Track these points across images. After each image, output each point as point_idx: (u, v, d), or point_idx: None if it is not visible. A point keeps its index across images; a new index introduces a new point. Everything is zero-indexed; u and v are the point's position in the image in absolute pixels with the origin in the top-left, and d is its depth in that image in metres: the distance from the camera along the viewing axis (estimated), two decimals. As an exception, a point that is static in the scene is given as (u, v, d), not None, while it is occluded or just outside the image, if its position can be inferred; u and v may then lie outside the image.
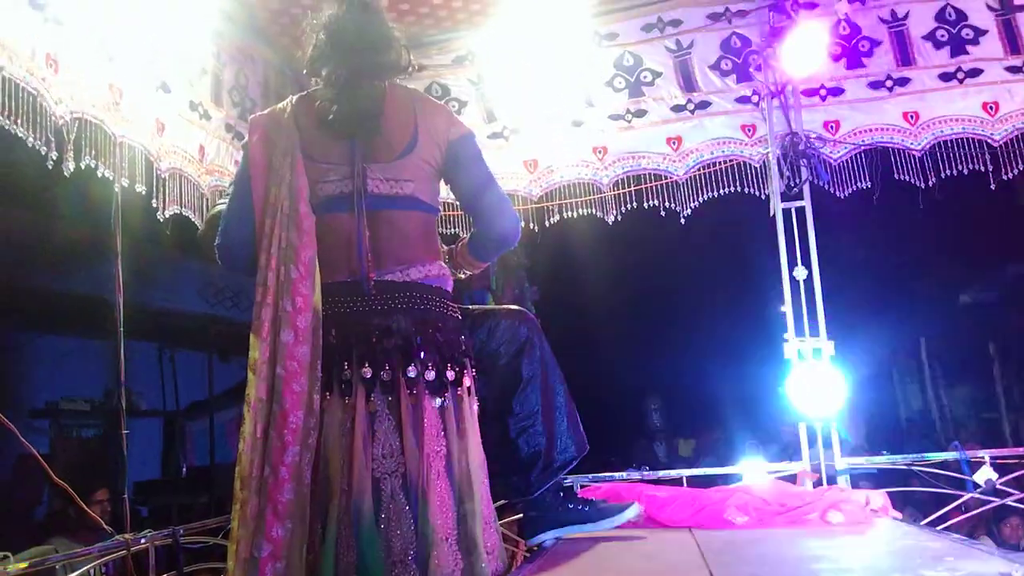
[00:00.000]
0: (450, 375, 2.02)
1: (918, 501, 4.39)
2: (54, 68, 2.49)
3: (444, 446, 1.97)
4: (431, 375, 1.98)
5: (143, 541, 2.79)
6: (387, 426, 1.94)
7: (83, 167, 2.65)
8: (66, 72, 2.55)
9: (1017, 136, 3.47)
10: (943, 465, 3.55)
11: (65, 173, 2.57)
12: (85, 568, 2.62)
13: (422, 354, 1.98)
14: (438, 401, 1.99)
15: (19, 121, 2.34)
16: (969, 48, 3.55)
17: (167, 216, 3.12)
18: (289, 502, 1.86)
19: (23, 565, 2.49)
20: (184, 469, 8.08)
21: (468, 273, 2.42)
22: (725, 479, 3.62)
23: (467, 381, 2.08)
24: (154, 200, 3.06)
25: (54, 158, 2.50)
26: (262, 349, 1.93)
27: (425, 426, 1.94)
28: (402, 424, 1.94)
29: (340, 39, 2.09)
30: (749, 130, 3.81)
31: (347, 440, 1.92)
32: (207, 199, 3.32)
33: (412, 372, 1.96)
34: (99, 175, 2.76)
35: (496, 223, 2.20)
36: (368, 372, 1.95)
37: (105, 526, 2.99)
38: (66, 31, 2.55)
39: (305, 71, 2.19)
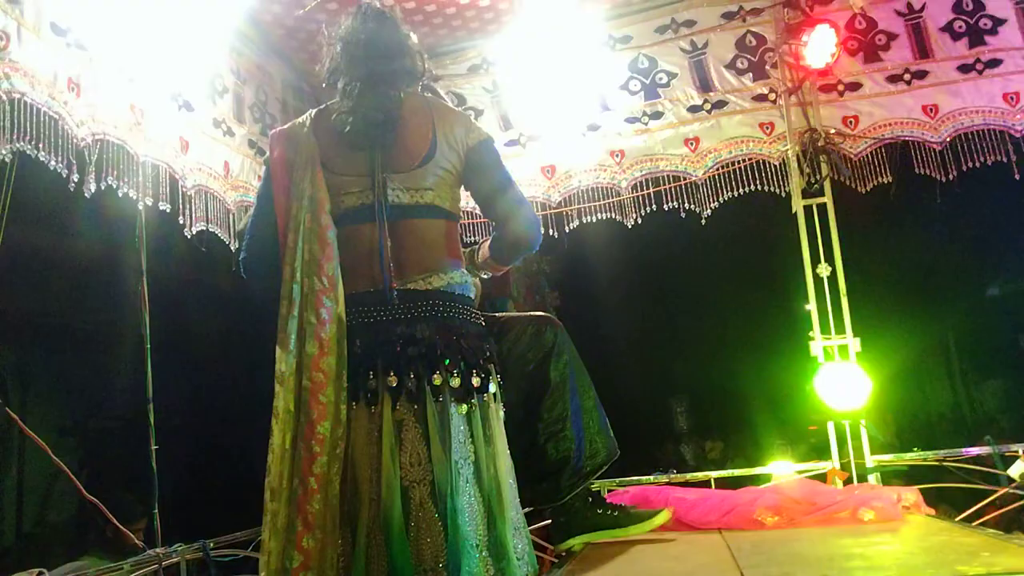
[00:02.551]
0: (475, 382, 2.01)
1: (951, 497, 4.33)
2: (76, 91, 2.53)
3: (472, 453, 1.97)
4: (456, 382, 1.98)
5: (174, 555, 2.81)
6: (414, 434, 1.94)
7: (103, 187, 2.68)
8: (88, 95, 2.58)
9: (1041, 125, 3.44)
10: (976, 460, 3.51)
11: (86, 194, 2.60)
12: (118, 583, 2.64)
13: (446, 361, 1.98)
14: (464, 408, 1.99)
15: (41, 145, 2.37)
16: (988, 38, 3.52)
17: (193, 233, 3.15)
18: (319, 512, 1.87)
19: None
20: (213, 482, 8.13)
21: (489, 274, 2.41)
22: (754, 480, 3.59)
23: (492, 387, 2.08)
24: (180, 217, 3.10)
25: (76, 180, 2.53)
26: (288, 361, 1.95)
27: (452, 433, 1.94)
28: (429, 432, 1.93)
29: (354, 50, 2.11)
30: (767, 128, 3.80)
31: (374, 449, 1.93)
32: (233, 214, 3.36)
33: (437, 380, 1.96)
34: (120, 194, 2.78)
35: (512, 225, 2.17)
36: (394, 381, 1.96)
37: (137, 541, 3.00)
38: (88, 55, 2.58)
39: (323, 84, 2.21)
